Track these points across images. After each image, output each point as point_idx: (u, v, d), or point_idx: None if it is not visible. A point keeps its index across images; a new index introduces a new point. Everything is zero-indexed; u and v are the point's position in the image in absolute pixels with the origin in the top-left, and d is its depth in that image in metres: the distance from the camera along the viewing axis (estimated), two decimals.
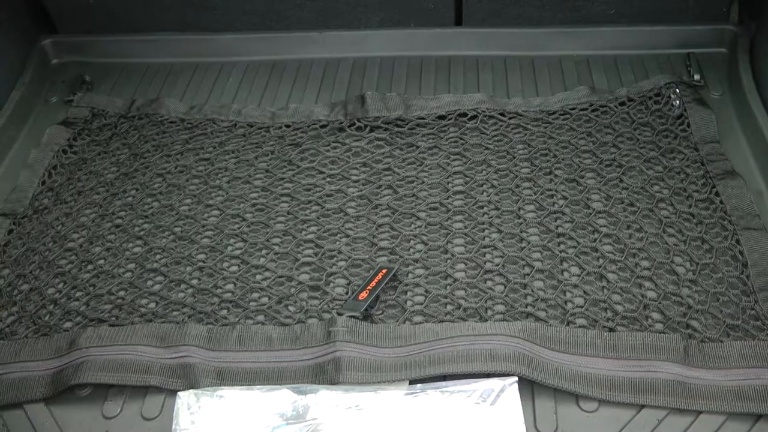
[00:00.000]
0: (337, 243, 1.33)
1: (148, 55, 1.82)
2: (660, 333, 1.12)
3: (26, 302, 1.28)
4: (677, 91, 1.53)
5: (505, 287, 1.22)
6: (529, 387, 1.08)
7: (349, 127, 1.55)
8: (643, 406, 1.06)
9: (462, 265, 1.27)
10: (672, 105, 1.52)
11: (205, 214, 1.41)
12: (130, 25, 1.83)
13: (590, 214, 1.33)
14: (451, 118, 1.54)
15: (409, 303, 1.21)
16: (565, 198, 1.36)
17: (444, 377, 1.09)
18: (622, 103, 1.54)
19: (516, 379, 1.06)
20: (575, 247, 1.27)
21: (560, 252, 1.27)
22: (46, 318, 1.25)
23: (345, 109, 1.58)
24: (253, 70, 1.76)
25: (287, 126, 1.58)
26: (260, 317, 1.22)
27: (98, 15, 1.83)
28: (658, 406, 1.06)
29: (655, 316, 1.17)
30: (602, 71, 1.66)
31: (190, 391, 1.10)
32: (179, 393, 1.10)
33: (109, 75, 1.80)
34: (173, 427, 1.07)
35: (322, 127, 1.56)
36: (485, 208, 1.36)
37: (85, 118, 1.67)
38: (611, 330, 1.14)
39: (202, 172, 1.49)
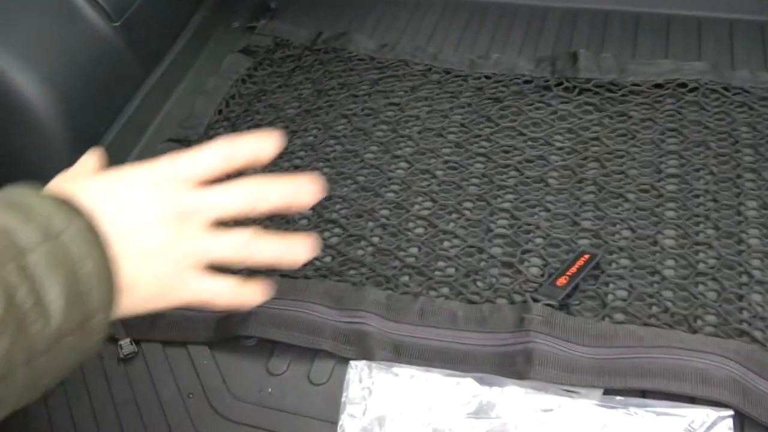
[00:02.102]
0: (536, 217, 1.19)
1: None
2: None
3: None
4: None
5: (719, 295, 1.06)
6: (737, 421, 0.92)
7: (555, 86, 1.40)
8: None
9: (672, 262, 1.11)
10: None
11: (392, 166, 1.30)
12: None
13: None
14: (668, 88, 1.37)
15: (610, 297, 1.07)
16: None
17: (643, 392, 0.95)
18: None
19: (732, 412, 0.91)
20: None
21: None
22: None
23: (553, 65, 1.43)
24: (452, 10, 1.63)
25: (487, 77, 1.44)
26: (445, 290, 1.10)
27: None
28: None
29: None
30: None
31: (364, 362, 1.02)
32: (352, 362, 1.02)
33: (295, 3, 1.71)
34: (342, 398, 0.99)
35: (526, 83, 1.42)
36: (701, 198, 1.19)
37: (268, 48, 1.59)
38: None
39: (390, 118, 1.39)
